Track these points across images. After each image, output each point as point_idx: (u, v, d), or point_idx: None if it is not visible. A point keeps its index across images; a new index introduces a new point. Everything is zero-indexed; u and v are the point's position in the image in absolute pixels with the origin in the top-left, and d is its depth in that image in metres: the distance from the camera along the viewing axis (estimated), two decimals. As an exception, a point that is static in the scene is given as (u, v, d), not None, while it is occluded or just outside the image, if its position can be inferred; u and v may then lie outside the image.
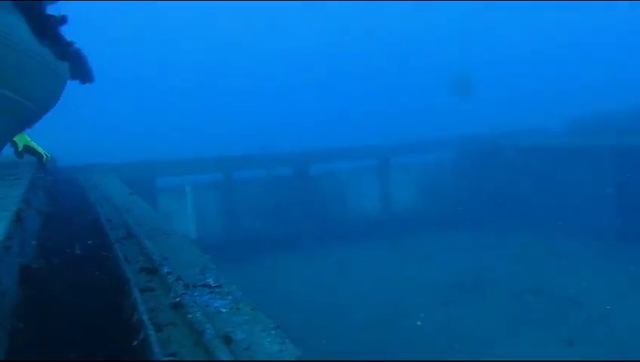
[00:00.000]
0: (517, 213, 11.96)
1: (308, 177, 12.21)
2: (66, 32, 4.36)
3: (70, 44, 3.80)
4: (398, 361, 5.50)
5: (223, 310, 2.06)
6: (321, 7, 48.67)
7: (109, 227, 3.53)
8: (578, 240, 9.98)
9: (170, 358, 1.58)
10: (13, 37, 3.39)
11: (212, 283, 2.44)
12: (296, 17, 50.61)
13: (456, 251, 10.17)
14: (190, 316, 1.91)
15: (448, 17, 45.10)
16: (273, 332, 1.81)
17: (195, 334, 1.78)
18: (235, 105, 46.78)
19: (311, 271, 9.51)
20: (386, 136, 14.92)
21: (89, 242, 3.18)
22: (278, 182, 12.10)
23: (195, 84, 47.69)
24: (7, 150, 4.90)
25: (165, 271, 2.48)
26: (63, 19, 3.69)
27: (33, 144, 5.23)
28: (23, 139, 5.09)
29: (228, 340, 1.73)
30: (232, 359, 1.52)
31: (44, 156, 5.29)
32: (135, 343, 1.75)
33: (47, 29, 3.46)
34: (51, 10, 3.91)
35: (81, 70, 4.08)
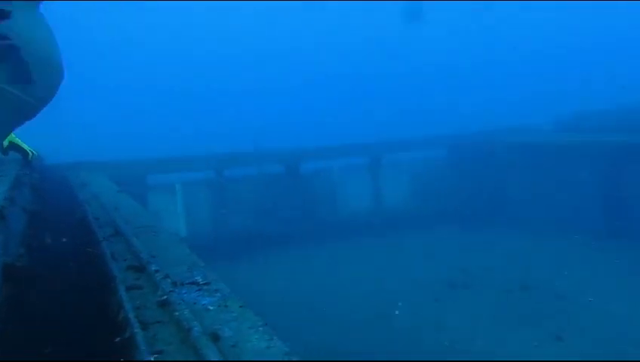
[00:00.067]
0: (507, 210, 12.07)
1: (299, 175, 12.19)
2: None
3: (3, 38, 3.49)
4: (398, 361, 5.52)
5: (211, 307, 2.04)
6: (313, 6, 48.69)
7: (97, 225, 3.49)
8: (566, 237, 10.10)
9: (157, 356, 1.56)
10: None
11: (200, 280, 2.42)
12: (289, 17, 50.55)
13: (446, 248, 10.23)
14: (177, 314, 1.89)
15: (447, 18, 45.43)
16: (261, 329, 1.80)
17: (183, 332, 1.76)
18: (226, 106, 46.65)
19: (302, 269, 9.50)
20: (380, 135, 14.93)
21: (76, 240, 3.14)
22: (269, 180, 12.07)
23: (186, 85, 47.47)
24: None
25: (153, 268, 2.46)
26: (3, 14, 3.44)
27: (18, 141, 5.13)
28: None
29: (215, 337, 1.72)
30: (220, 356, 1.51)
31: (30, 153, 5.20)
32: (118, 340, 1.73)
33: None
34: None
35: (14, 68, 3.69)
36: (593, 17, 40.11)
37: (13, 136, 5.09)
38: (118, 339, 1.75)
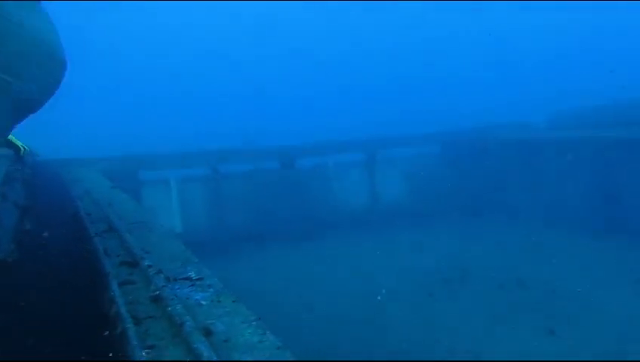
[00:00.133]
0: (501, 205, 12.13)
1: (295, 171, 12.19)
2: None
3: None
4: (397, 361, 5.54)
5: (204, 302, 2.04)
6: (313, 6, 48.52)
7: (89, 221, 3.48)
8: (560, 232, 10.17)
9: (149, 351, 1.56)
10: (9, 17, 3.30)
11: (193, 276, 2.43)
12: (290, 17, 50.32)
13: (441, 244, 10.27)
14: (170, 309, 1.89)
15: (446, 18, 45.52)
16: (254, 323, 1.81)
17: (175, 327, 1.77)
18: (226, 105, 46.55)
19: (296, 264, 9.51)
20: (378, 133, 14.96)
21: (68, 236, 3.12)
22: (264, 176, 12.05)
23: (186, 85, 47.35)
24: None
25: (146, 264, 2.45)
26: None
27: (11, 137, 5.10)
28: None
29: (208, 332, 1.72)
30: (212, 351, 1.51)
31: (22, 149, 5.16)
32: (106, 333, 1.73)
33: None
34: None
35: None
36: (592, 17, 40.26)
37: (5, 132, 5.05)
38: (106, 333, 1.75)
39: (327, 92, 46.03)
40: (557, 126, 12.52)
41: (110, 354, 1.64)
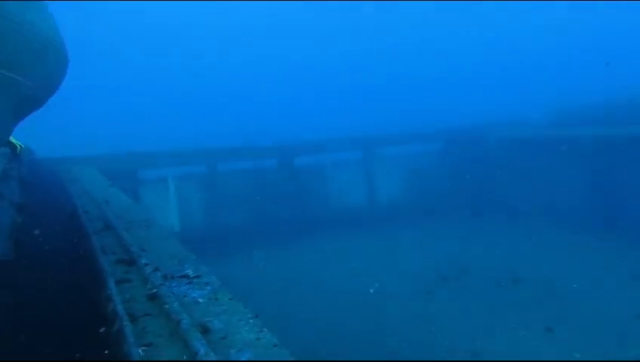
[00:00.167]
0: (499, 203, 12.14)
1: (292, 169, 12.18)
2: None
3: None
4: (398, 361, 5.53)
5: (201, 300, 2.04)
6: (314, 6, 48.39)
7: (87, 219, 3.47)
8: (558, 230, 10.18)
9: (145, 348, 1.55)
10: (13, 17, 3.32)
11: (191, 274, 2.42)
12: (291, 17, 50.20)
13: (439, 242, 10.27)
14: (167, 306, 1.88)
15: (445, 18, 45.53)
16: (251, 321, 1.80)
17: (172, 324, 1.76)
18: (226, 104, 46.49)
19: (294, 262, 9.50)
20: (377, 131, 14.92)
21: (66, 234, 3.11)
22: (262, 173, 12.03)
23: (185, 84, 47.25)
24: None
25: (143, 262, 2.44)
26: None
27: None
28: None
29: (205, 330, 1.72)
30: (209, 348, 1.51)
31: (18, 147, 5.14)
32: (102, 330, 1.72)
33: None
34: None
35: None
36: (592, 18, 40.30)
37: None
38: (102, 330, 1.74)
39: (327, 92, 46.00)
40: (556, 123, 12.52)
41: (106, 352, 1.63)
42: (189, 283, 2.22)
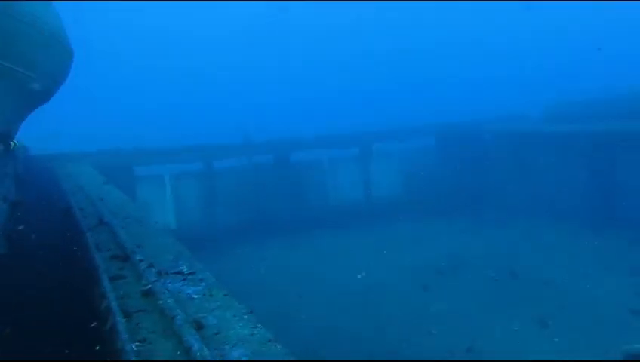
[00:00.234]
0: (494, 198, 12.18)
1: (289, 165, 12.17)
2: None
3: None
4: (397, 361, 5.56)
5: (196, 296, 2.04)
6: (315, 5, 48.16)
7: (81, 215, 3.46)
8: (554, 225, 10.23)
9: (139, 344, 1.55)
10: (16, 12, 3.40)
11: (185, 270, 2.42)
12: (292, 17, 50.02)
13: (435, 237, 10.31)
14: (161, 302, 1.88)
15: (444, 18, 45.49)
16: (245, 317, 1.81)
17: (166, 320, 1.76)
18: (222, 106, 46.44)
19: (291, 259, 9.51)
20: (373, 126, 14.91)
21: (60, 231, 3.10)
22: (258, 171, 12.02)
23: (185, 84, 47.19)
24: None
25: (137, 258, 2.44)
26: None
27: None
28: None
29: (199, 326, 1.72)
30: (202, 344, 1.51)
31: (12, 143, 5.10)
32: (94, 324, 1.72)
33: None
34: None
35: None
36: (593, 17, 40.36)
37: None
38: (94, 324, 1.74)
39: (327, 92, 45.97)
40: (552, 117, 12.52)
41: (98, 348, 1.63)
42: (184, 279, 2.22)
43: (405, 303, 7.19)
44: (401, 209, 12.04)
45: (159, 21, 49.52)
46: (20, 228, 2.82)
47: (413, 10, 44.67)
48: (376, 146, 13.10)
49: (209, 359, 1.43)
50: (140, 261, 2.36)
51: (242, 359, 1.47)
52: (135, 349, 1.50)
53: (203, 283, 2.16)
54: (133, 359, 1.46)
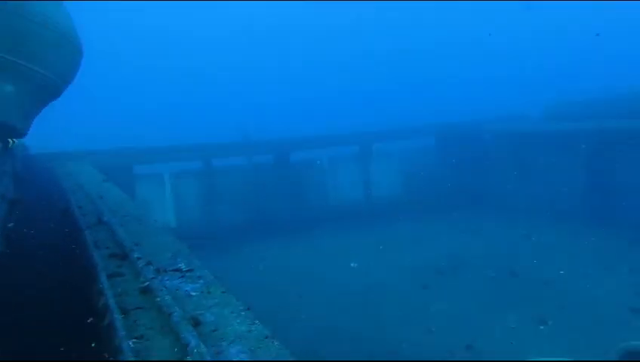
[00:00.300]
0: (494, 198, 12.18)
1: (288, 164, 12.17)
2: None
3: None
4: (397, 361, 5.56)
5: (193, 293, 2.03)
6: (315, 5, 48.25)
7: (80, 214, 3.45)
8: (554, 224, 10.23)
9: (136, 341, 1.55)
10: (28, 12, 3.50)
11: (183, 267, 2.41)
12: (292, 17, 50.08)
13: (435, 237, 10.31)
14: (159, 299, 1.88)
15: (444, 18, 45.54)
16: (243, 313, 1.80)
17: (163, 317, 1.76)
18: (222, 106, 46.54)
19: (291, 258, 9.52)
20: (373, 126, 14.94)
21: (59, 229, 3.10)
22: (258, 169, 12.02)
23: (184, 83, 47.26)
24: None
25: (135, 256, 2.44)
26: None
27: None
28: None
29: (196, 322, 1.71)
30: (200, 341, 1.51)
31: (11, 141, 5.10)
32: (90, 320, 1.72)
33: None
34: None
35: None
36: (592, 17, 40.40)
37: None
38: (90, 320, 1.74)
39: (327, 92, 46.01)
40: (553, 118, 12.52)
41: (93, 344, 1.62)
42: (182, 276, 2.22)
43: (405, 303, 7.18)
44: (401, 209, 12.03)
45: (159, 21, 49.53)
46: (10, 225, 2.81)
47: (413, 10, 44.71)
48: (376, 146, 13.09)
49: (206, 355, 1.42)
50: (138, 259, 2.35)
51: (240, 355, 1.46)
52: (132, 346, 1.50)
53: (201, 281, 2.16)
54: (130, 356, 1.46)
